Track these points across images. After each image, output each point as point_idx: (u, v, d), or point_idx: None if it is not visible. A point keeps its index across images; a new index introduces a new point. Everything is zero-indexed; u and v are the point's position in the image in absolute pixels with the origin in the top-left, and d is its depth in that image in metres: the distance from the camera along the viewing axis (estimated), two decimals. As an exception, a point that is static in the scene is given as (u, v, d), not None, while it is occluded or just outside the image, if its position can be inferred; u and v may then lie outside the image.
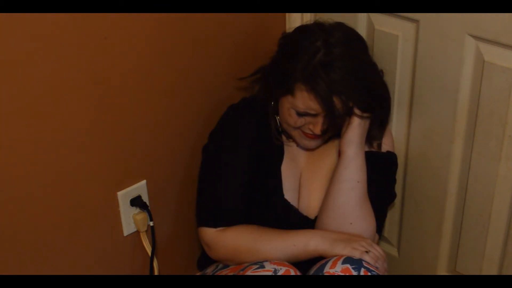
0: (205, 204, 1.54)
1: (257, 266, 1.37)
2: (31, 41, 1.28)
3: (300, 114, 1.43)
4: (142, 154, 1.57)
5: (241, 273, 1.37)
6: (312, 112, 1.41)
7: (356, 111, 1.42)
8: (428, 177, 1.63)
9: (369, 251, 1.37)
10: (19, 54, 1.27)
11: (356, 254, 1.36)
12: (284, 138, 1.55)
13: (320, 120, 1.42)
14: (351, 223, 1.44)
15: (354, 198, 1.44)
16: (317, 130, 1.43)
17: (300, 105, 1.41)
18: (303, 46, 1.40)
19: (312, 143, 1.50)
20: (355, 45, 1.43)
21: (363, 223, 1.45)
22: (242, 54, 1.61)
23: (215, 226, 1.50)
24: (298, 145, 1.54)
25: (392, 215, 1.75)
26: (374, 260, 1.37)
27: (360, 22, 1.59)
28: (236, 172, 1.51)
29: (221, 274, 1.49)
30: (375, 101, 1.45)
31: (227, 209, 1.50)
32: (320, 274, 1.34)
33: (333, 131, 1.48)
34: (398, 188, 1.66)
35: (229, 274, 1.36)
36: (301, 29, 1.47)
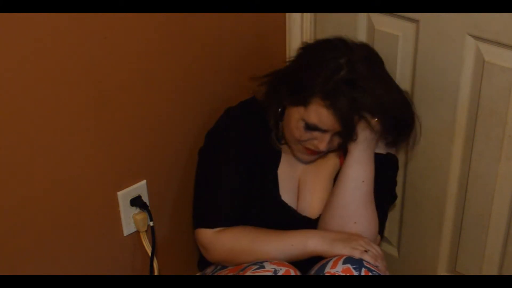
0: (203, 207, 1.53)
1: (257, 266, 1.37)
2: (31, 41, 1.28)
3: (308, 128, 1.39)
4: (142, 154, 1.57)
5: (241, 273, 1.37)
6: (324, 127, 1.38)
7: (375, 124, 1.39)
8: (428, 177, 1.63)
9: (368, 250, 1.36)
10: (19, 54, 1.27)
11: (356, 254, 1.35)
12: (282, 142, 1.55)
13: (327, 137, 1.39)
14: (355, 222, 1.43)
15: (359, 197, 1.44)
16: (322, 146, 1.41)
17: (312, 118, 1.37)
18: (326, 60, 1.36)
19: (310, 158, 1.49)
20: (379, 66, 1.42)
21: (366, 223, 1.45)
22: (242, 54, 1.61)
23: (213, 227, 1.49)
24: (294, 155, 1.52)
25: (392, 215, 1.75)
26: (374, 259, 1.36)
27: (360, 22, 1.59)
28: (234, 176, 1.50)
29: (220, 274, 1.50)
30: (398, 122, 1.43)
31: (225, 211, 1.49)
32: (321, 274, 1.33)
33: (335, 148, 1.45)
34: (398, 188, 1.66)
35: (229, 274, 1.36)
36: (325, 43, 1.43)
